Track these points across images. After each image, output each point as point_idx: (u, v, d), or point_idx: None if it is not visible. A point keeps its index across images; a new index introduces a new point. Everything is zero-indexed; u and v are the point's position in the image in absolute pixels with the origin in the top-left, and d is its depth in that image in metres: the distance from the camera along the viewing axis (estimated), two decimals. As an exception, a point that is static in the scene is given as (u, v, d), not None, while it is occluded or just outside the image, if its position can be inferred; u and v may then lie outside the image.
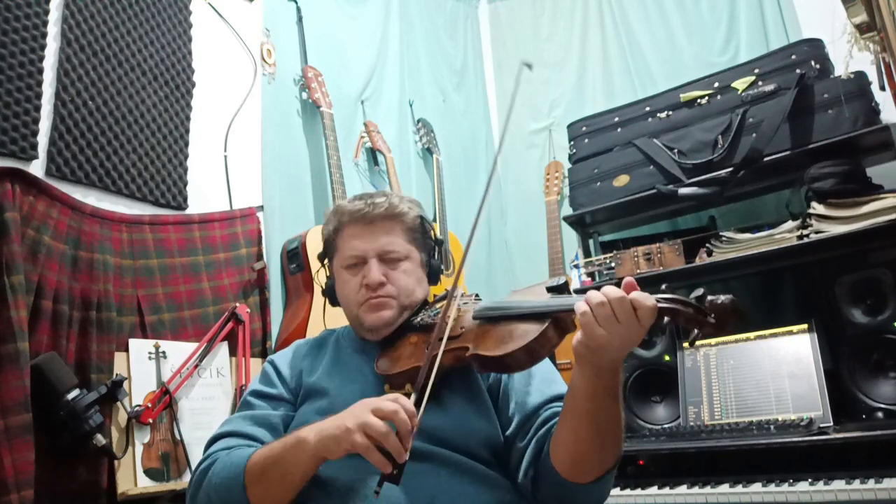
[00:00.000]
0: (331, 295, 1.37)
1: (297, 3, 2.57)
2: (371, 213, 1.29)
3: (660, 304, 0.94)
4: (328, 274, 1.38)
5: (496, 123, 3.50)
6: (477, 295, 1.27)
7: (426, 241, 1.36)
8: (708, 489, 1.80)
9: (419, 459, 1.09)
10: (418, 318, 1.27)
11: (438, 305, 1.29)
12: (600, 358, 0.96)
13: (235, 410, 1.34)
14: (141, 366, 1.73)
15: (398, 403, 0.97)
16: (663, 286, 0.99)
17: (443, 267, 1.41)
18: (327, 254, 1.37)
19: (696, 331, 0.93)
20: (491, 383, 1.22)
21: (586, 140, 2.66)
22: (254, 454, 1.08)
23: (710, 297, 0.93)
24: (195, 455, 1.71)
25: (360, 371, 1.25)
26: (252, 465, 1.06)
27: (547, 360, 1.23)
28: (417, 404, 1.01)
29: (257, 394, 1.27)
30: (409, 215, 1.32)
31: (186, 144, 2.07)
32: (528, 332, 1.05)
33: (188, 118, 2.09)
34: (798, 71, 2.24)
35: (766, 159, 2.22)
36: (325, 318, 1.45)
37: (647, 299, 0.92)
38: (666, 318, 0.95)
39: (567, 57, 3.29)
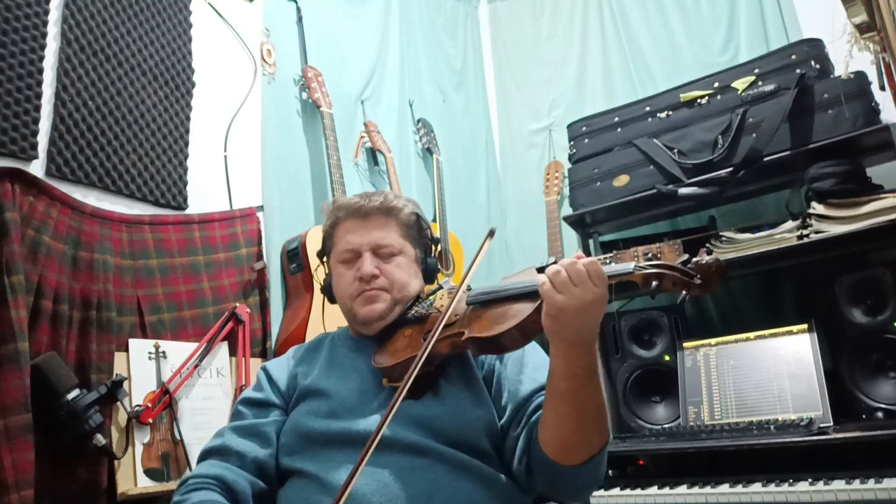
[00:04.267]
0: (329, 292, 1.38)
1: (297, 3, 2.57)
2: (366, 206, 1.32)
3: (647, 270, 0.99)
4: (327, 271, 1.39)
5: (496, 123, 3.49)
6: (469, 286, 1.28)
7: (422, 238, 1.37)
8: (708, 489, 1.80)
9: (417, 454, 1.11)
10: (412, 312, 1.29)
11: (432, 297, 1.31)
12: (565, 328, 1.00)
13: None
14: (141, 366, 1.73)
15: None
16: (648, 255, 1.04)
17: (441, 267, 1.42)
18: (325, 250, 1.39)
19: (683, 292, 0.99)
20: (485, 374, 1.23)
21: (586, 140, 2.66)
22: None
23: (694, 259, 0.99)
24: (195, 455, 1.70)
25: (357, 368, 1.26)
26: None
27: (540, 350, 1.24)
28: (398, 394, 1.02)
29: (246, 402, 1.29)
30: (403, 211, 1.34)
31: (186, 144, 2.07)
32: (521, 310, 1.07)
33: (188, 118, 2.09)
34: (798, 71, 2.24)
35: (766, 159, 2.22)
36: (325, 318, 1.46)
37: (597, 262, 0.99)
38: (654, 283, 0.99)
39: (567, 57, 3.29)
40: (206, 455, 1.21)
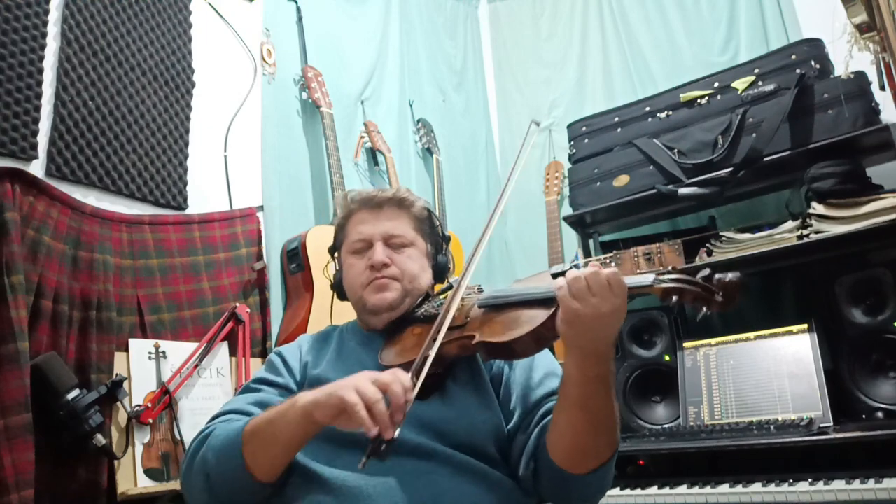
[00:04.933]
0: (338, 288, 1.37)
1: (297, 3, 2.57)
2: (379, 197, 1.33)
3: (667, 284, 0.97)
4: (337, 267, 1.39)
5: (496, 123, 3.50)
6: (479, 287, 1.28)
7: (433, 233, 1.38)
8: (708, 489, 1.80)
9: (422, 457, 1.10)
10: (422, 310, 1.28)
11: (442, 297, 1.30)
12: (579, 335, 0.99)
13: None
14: (141, 366, 1.73)
15: (395, 376, 0.97)
16: (670, 267, 1.02)
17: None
18: (336, 244, 1.39)
19: (704, 308, 0.96)
20: (493, 376, 1.22)
21: (586, 140, 2.66)
22: (254, 418, 1.08)
23: (717, 276, 0.96)
24: (195, 455, 1.71)
25: (363, 364, 1.25)
26: (249, 426, 1.07)
27: (550, 355, 1.24)
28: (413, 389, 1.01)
29: (261, 381, 1.26)
30: (416, 205, 1.35)
31: (186, 144, 2.07)
32: (535, 317, 1.06)
33: (188, 118, 2.09)
34: (798, 71, 2.24)
35: (766, 159, 2.22)
36: (333, 315, 1.45)
37: (619, 274, 0.97)
38: (674, 297, 0.97)
39: (567, 57, 3.29)
40: (217, 416, 1.19)
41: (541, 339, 1.06)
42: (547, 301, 1.04)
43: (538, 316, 1.05)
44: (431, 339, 1.07)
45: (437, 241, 1.39)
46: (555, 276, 1.05)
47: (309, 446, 1.14)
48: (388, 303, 1.27)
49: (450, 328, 1.13)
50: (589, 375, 1.01)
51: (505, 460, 1.17)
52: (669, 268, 1.02)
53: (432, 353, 1.05)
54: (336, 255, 1.40)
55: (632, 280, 1.00)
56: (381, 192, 1.34)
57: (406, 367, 1.14)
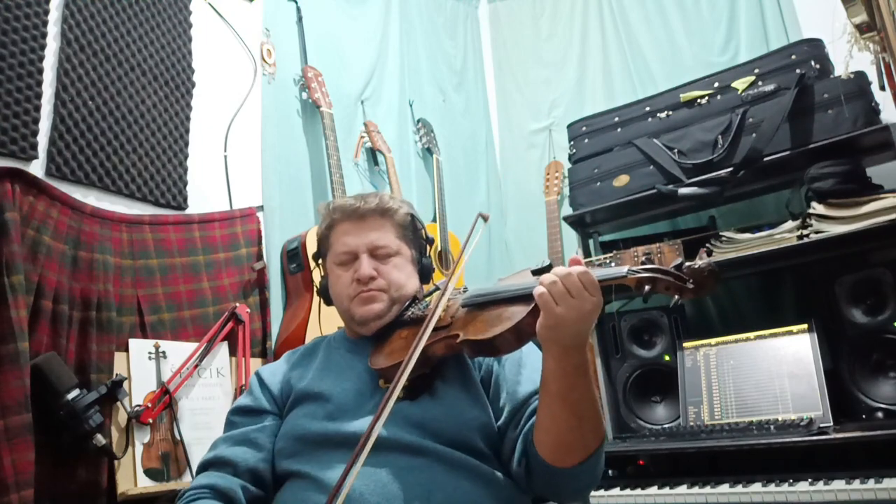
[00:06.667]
0: (325, 294, 1.38)
1: (297, 3, 2.57)
2: (362, 208, 1.32)
3: (639, 274, 1.00)
4: (323, 273, 1.40)
5: (496, 123, 3.50)
6: (465, 287, 1.28)
7: (417, 238, 1.38)
8: (708, 489, 1.80)
9: (414, 454, 1.11)
10: (409, 313, 1.29)
11: (428, 299, 1.31)
12: (562, 335, 1.02)
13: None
14: (141, 366, 1.73)
15: None
16: (643, 258, 1.04)
17: (441, 267, 1.42)
18: (321, 252, 1.39)
19: (676, 296, 0.99)
20: (483, 375, 1.24)
21: (586, 140, 2.66)
22: None
23: (687, 264, 0.99)
24: (195, 455, 1.71)
25: (353, 369, 1.27)
26: None
27: (538, 352, 1.25)
28: (392, 392, 1.03)
29: (237, 411, 1.30)
30: (399, 212, 1.35)
31: (186, 144, 2.07)
32: (516, 313, 1.08)
33: (188, 118, 2.09)
34: (798, 71, 2.24)
35: (766, 159, 2.22)
36: (321, 321, 1.46)
37: (589, 272, 1.00)
38: (647, 287, 1.00)
39: (567, 57, 3.29)
40: (201, 468, 1.22)
41: (522, 334, 1.08)
42: (526, 297, 1.06)
43: (519, 312, 1.07)
44: (417, 341, 1.08)
45: (421, 244, 1.40)
46: (535, 272, 1.06)
47: (301, 451, 1.16)
48: (376, 313, 1.28)
49: (436, 329, 1.15)
50: (567, 368, 1.04)
51: (496, 456, 1.17)
52: (642, 259, 1.04)
53: (416, 355, 1.07)
54: (321, 261, 1.40)
55: (606, 272, 1.03)
56: (364, 203, 1.33)
57: (394, 368, 1.16)
